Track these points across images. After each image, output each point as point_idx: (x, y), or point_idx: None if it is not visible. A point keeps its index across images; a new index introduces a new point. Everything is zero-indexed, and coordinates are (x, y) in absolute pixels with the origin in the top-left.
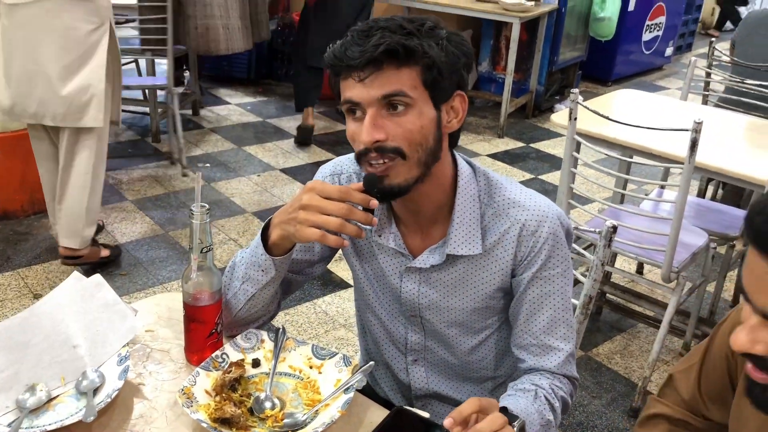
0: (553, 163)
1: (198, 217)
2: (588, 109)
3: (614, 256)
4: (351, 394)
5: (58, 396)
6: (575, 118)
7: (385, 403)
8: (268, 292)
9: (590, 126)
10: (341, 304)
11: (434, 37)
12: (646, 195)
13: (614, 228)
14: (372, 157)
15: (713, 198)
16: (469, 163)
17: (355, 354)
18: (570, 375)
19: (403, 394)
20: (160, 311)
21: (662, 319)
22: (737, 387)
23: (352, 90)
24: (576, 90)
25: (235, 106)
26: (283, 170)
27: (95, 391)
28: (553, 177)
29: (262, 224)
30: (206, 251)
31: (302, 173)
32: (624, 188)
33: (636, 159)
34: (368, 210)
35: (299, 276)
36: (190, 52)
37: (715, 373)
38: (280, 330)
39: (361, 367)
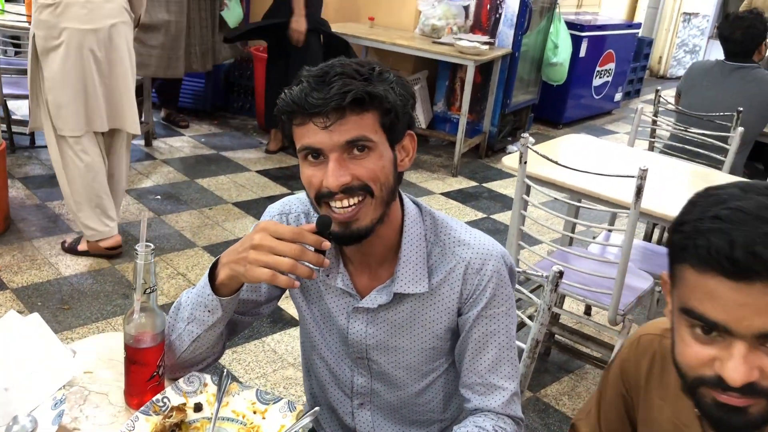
0: (505, 202)
1: (142, 257)
2: (538, 153)
3: (563, 297)
4: None
5: None
6: (525, 162)
7: None
8: (213, 333)
9: (540, 169)
10: (291, 343)
11: (386, 81)
12: (593, 238)
13: (560, 273)
14: (338, 198)
15: (659, 241)
16: (415, 203)
17: (302, 395)
18: (514, 415)
19: None
20: (101, 351)
21: (608, 359)
22: (637, 422)
23: (314, 136)
24: (527, 134)
25: (189, 138)
26: (236, 204)
27: None
28: (504, 217)
29: (213, 259)
30: (150, 292)
31: (255, 207)
32: (572, 231)
33: (584, 203)
34: (320, 251)
35: (245, 317)
36: (145, 80)
37: (612, 413)
38: (224, 373)
39: (305, 413)
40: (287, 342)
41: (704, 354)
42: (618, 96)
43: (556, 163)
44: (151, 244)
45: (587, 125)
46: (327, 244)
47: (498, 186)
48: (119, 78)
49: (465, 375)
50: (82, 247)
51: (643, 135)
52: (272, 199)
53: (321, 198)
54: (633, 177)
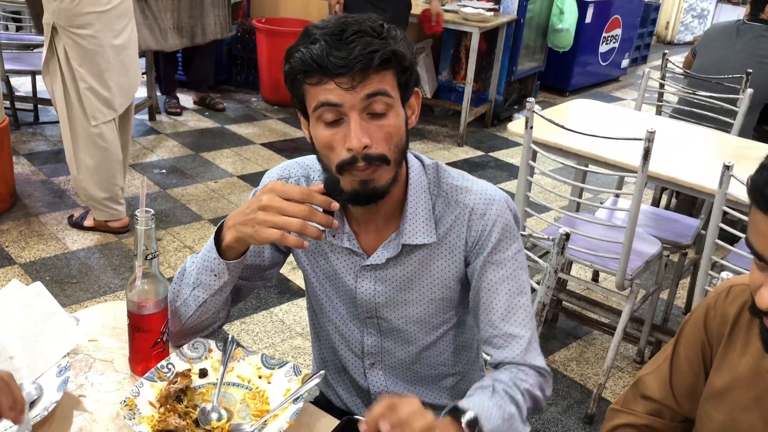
0: (512, 172)
1: (142, 223)
2: (544, 118)
3: (570, 264)
4: (300, 404)
5: None
6: (531, 127)
7: (342, 413)
8: (219, 298)
9: (546, 135)
10: (298, 313)
11: (396, 38)
12: (601, 204)
13: (567, 235)
14: (359, 167)
15: (667, 207)
16: (417, 157)
17: (311, 364)
18: (534, 365)
19: (362, 399)
20: (106, 320)
21: (616, 325)
22: (711, 370)
23: (332, 93)
24: (532, 99)
25: (192, 112)
26: (241, 177)
27: (32, 404)
28: (511, 185)
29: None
30: (151, 258)
31: (259, 180)
32: (579, 197)
33: (591, 168)
34: (328, 212)
35: (249, 282)
36: (147, 54)
37: (686, 364)
38: (229, 339)
39: (311, 377)
40: (295, 312)
41: (758, 280)
42: (625, 62)
43: (562, 127)
44: (150, 210)
45: (594, 92)
46: (336, 205)
47: (504, 155)
48: (131, 50)
49: (482, 329)
50: (89, 222)
51: (651, 100)
52: None
53: (344, 166)
54: (640, 140)
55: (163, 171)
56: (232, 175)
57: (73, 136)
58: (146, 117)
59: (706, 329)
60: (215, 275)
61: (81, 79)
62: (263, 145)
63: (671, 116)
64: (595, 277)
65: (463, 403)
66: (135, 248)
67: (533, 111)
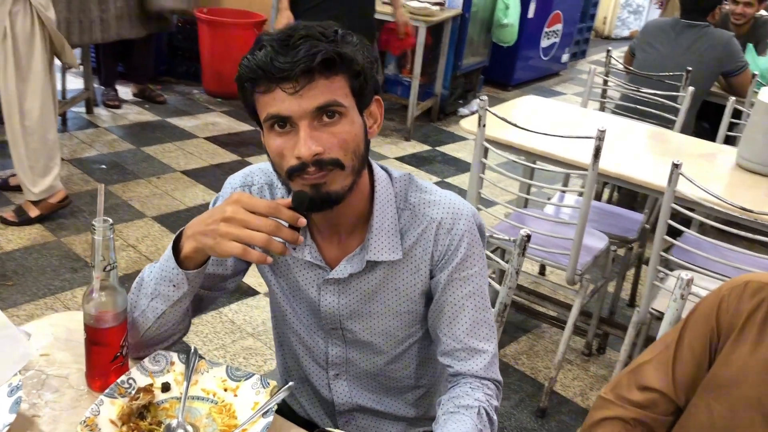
0: (459, 166)
1: (100, 233)
2: (497, 116)
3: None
4: (270, 418)
5: None
6: (484, 125)
7: (306, 423)
8: (179, 309)
9: (496, 132)
10: (249, 313)
11: (351, 44)
12: (548, 199)
13: (528, 237)
14: (309, 172)
15: (609, 200)
16: (384, 169)
17: (263, 365)
18: (495, 379)
19: (325, 410)
20: (57, 332)
21: (565, 319)
22: (715, 361)
23: (281, 104)
24: (485, 98)
25: (131, 105)
26: (185, 172)
27: None
28: (458, 180)
29: (163, 229)
30: (110, 269)
31: (205, 175)
32: (527, 193)
33: (542, 165)
34: (294, 228)
35: (211, 292)
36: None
37: (689, 354)
38: (192, 351)
39: (279, 389)
40: (245, 312)
41: None
42: (565, 57)
43: (515, 125)
44: (109, 219)
45: (536, 87)
46: (303, 221)
47: (451, 149)
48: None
49: (444, 342)
50: (35, 212)
51: (593, 95)
52: (222, 166)
53: (293, 172)
54: (592, 138)
55: (103, 166)
56: (176, 170)
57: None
58: (83, 110)
59: (717, 319)
60: (174, 286)
61: None
62: (207, 139)
63: (613, 112)
64: (542, 270)
65: None
66: (92, 259)
67: (486, 109)
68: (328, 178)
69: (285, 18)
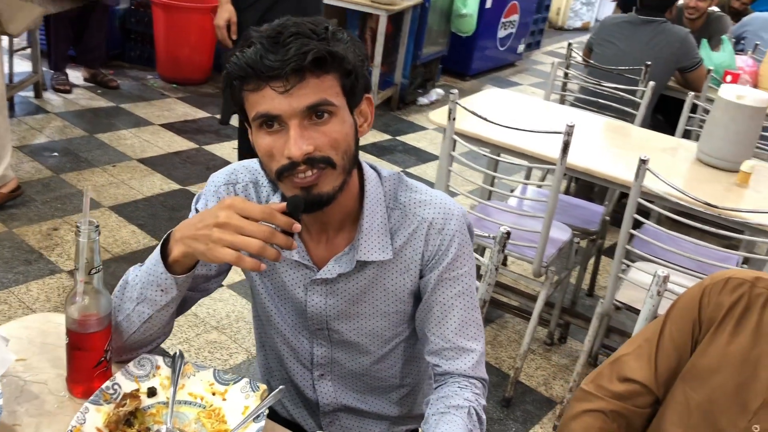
0: (419, 156)
1: (85, 235)
2: (467, 110)
3: (483, 249)
4: (262, 423)
5: None
6: (454, 118)
7: (288, 424)
8: (166, 314)
9: (462, 124)
10: (212, 306)
11: (342, 41)
12: (511, 191)
13: (508, 234)
14: (300, 170)
15: (566, 191)
16: (373, 167)
17: (229, 359)
18: (482, 377)
19: (309, 411)
20: (32, 335)
21: (528, 309)
22: (694, 351)
23: (271, 102)
24: (455, 91)
25: (83, 89)
26: (142, 160)
27: None
28: (419, 170)
29: (121, 220)
30: (95, 272)
31: (163, 163)
32: (491, 184)
33: (504, 156)
34: (288, 233)
35: (195, 293)
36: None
37: (671, 344)
38: (177, 354)
39: (270, 393)
40: (209, 305)
41: None
42: (521, 48)
43: (485, 119)
44: (95, 221)
45: (492, 77)
46: (298, 227)
47: (411, 139)
48: None
49: (432, 341)
50: None
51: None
52: (180, 154)
53: (283, 172)
54: (560, 133)
55: (55, 154)
56: (132, 158)
57: None
58: (31, 94)
59: (699, 311)
60: (162, 290)
61: None
62: (163, 126)
63: (572, 104)
64: (504, 261)
65: None
66: (76, 261)
67: (456, 102)
68: (319, 180)
69: (226, 12)
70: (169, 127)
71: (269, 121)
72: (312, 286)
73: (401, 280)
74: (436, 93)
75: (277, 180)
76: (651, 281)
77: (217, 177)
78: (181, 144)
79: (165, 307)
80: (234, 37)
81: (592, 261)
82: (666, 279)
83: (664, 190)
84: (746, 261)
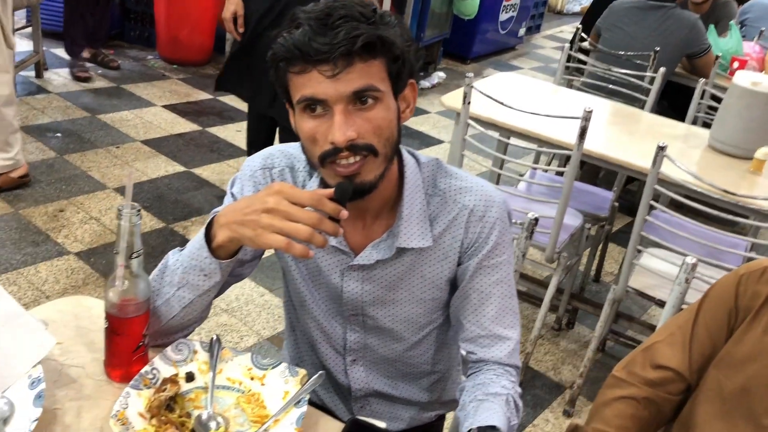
0: (422, 140)
1: (126, 218)
2: (483, 94)
3: None
4: (304, 408)
5: None
6: (469, 102)
7: (320, 408)
8: (207, 299)
9: (472, 108)
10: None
11: (389, 25)
12: (521, 176)
13: (536, 220)
14: (343, 156)
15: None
16: (411, 154)
17: (240, 341)
18: (517, 365)
19: (340, 396)
20: (65, 319)
21: (536, 294)
22: (729, 339)
23: (317, 86)
24: (471, 74)
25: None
26: (145, 142)
27: (5, 421)
28: (423, 154)
29: (125, 202)
30: (135, 257)
31: (166, 145)
32: (501, 168)
33: (518, 141)
34: (335, 220)
35: (230, 278)
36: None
37: (706, 332)
38: (214, 339)
39: (310, 378)
40: None
41: None
42: (522, 31)
43: (502, 104)
44: (137, 205)
45: (493, 60)
46: (345, 213)
47: (414, 123)
48: None
49: (467, 329)
50: None
51: (548, 71)
52: (183, 136)
53: (326, 158)
54: (578, 119)
55: (58, 135)
56: (135, 139)
57: None
58: (32, 74)
59: (736, 300)
60: (205, 275)
61: None
62: (165, 107)
63: (579, 89)
64: None
65: (496, 422)
66: (116, 245)
67: (471, 86)
68: (362, 168)
69: (232, 4)
70: (172, 108)
71: (313, 105)
72: (348, 272)
73: (439, 267)
74: (438, 76)
75: (319, 165)
76: (679, 269)
77: (253, 161)
78: (184, 126)
79: (206, 292)
80: (241, 30)
81: (600, 247)
82: (694, 266)
83: (680, 177)
84: (753, 247)
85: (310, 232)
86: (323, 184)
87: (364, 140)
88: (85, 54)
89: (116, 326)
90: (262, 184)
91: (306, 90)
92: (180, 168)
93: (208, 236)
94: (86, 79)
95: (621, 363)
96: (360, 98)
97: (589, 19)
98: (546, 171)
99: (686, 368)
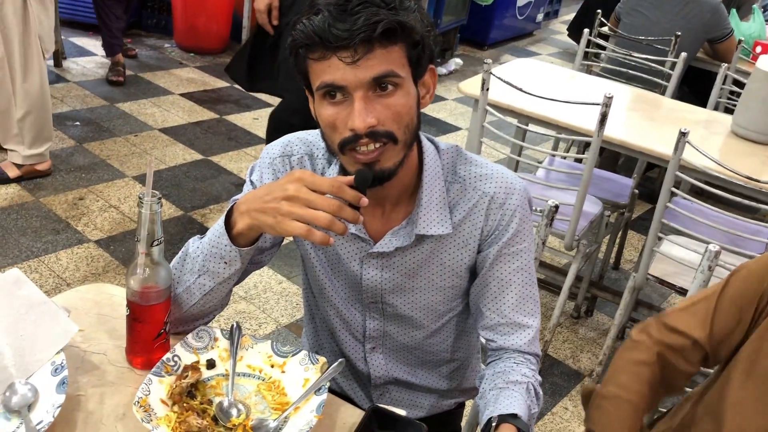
0: (439, 127)
1: (147, 206)
2: (502, 80)
3: None
4: (324, 396)
5: None
6: (487, 89)
7: (339, 396)
8: (227, 286)
9: (491, 94)
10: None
11: (409, 10)
12: (540, 162)
13: (556, 207)
14: (362, 143)
15: None
16: (431, 141)
17: (258, 329)
18: (537, 353)
19: (359, 383)
20: (87, 306)
21: (554, 282)
22: (757, 323)
23: (336, 72)
24: (489, 61)
25: (102, 58)
26: (163, 130)
27: (29, 407)
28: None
29: (145, 190)
30: (156, 245)
31: (184, 133)
32: (519, 155)
33: (536, 128)
34: (355, 207)
35: (250, 266)
36: None
37: (733, 309)
38: (234, 326)
39: (330, 366)
40: None
41: None
42: (540, 17)
43: (521, 90)
44: (157, 192)
45: (510, 47)
46: (365, 201)
47: (430, 109)
48: None
49: (487, 316)
50: (14, 173)
51: (566, 57)
52: (201, 124)
53: (345, 144)
54: (598, 105)
55: (77, 123)
56: (153, 128)
57: (34, 75)
58: (51, 63)
59: None
60: (225, 263)
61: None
62: (183, 95)
63: (598, 75)
64: None
65: (517, 410)
66: (138, 233)
67: (490, 73)
68: (381, 156)
69: None
70: (189, 96)
71: (333, 92)
72: (368, 260)
73: (459, 254)
74: (455, 63)
75: (339, 153)
76: (702, 257)
77: (272, 149)
78: (202, 114)
79: (227, 279)
80: (275, 22)
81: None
82: (718, 254)
83: (702, 164)
84: None
85: (331, 219)
86: (343, 171)
87: (384, 127)
88: (102, 42)
89: (138, 313)
90: (282, 171)
91: (326, 76)
92: (198, 156)
93: (228, 224)
94: (119, 84)
95: (638, 326)
96: (380, 84)
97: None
98: (564, 158)
99: (705, 338)
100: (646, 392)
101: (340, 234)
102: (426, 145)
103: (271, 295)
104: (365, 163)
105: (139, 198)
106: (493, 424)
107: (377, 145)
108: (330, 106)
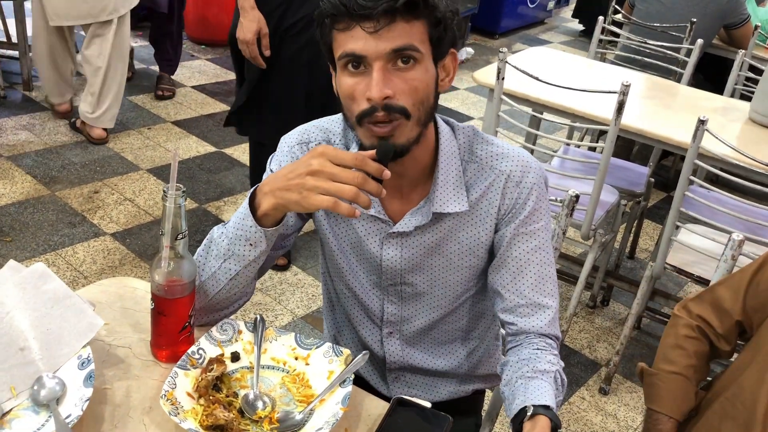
0: (451, 116)
1: (171, 200)
2: (518, 69)
3: None
4: (349, 388)
5: (11, 410)
6: (503, 78)
7: (356, 380)
8: (252, 270)
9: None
10: None
11: None
12: (555, 151)
13: (577, 197)
14: (379, 117)
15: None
16: (446, 122)
17: (275, 321)
18: (557, 335)
19: (375, 368)
20: (110, 300)
21: (571, 272)
22: None
23: (358, 42)
24: (505, 49)
25: None
26: (176, 123)
27: (57, 401)
28: None
29: (160, 182)
30: (180, 238)
31: (197, 126)
32: (534, 144)
33: (551, 117)
34: (377, 180)
35: (273, 252)
36: None
37: (766, 287)
38: (258, 319)
39: (354, 358)
40: None
41: None
42: (551, 4)
43: (537, 79)
44: (181, 186)
45: (522, 35)
46: (387, 173)
47: (442, 99)
48: None
49: (506, 298)
50: (98, 133)
51: (578, 45)
52: (213, 117)
53: (363, 117)
54: (615, 93)
55: None
56: (166, 120)
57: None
58: None
59: None
60: (251, 245)
61: None
62: (194, 88)
63: (613, 62)
64: None
65: (548, 401)
66: (162, 227)
67: (505, 62)
68: (395, 131)
69: (254, 22)
70: (201, 89)
71: (354, 62)
72: (388, 240)
73: (476, 233)
74: (466, 52)
75: (357, 125)
76: (725, 246)
77: (290, 138)
78: (214, 106)
79: (252, 262)
80: (267, 53)
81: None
82: (741, 243)
83: (720, 151)
84: None
85: (356, 192)
86: (362, 147)
87: (399, 102)
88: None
89: (162, 307)
90: (300, 157)
91: (347, 46)
92: (211, 148)
93: (252, 207)
94: (168, 97)
95: (681, 302)
96: (400, 57)
97: None
98: (579, 146)
99: (739, 309)
100: (694, 363)
101: (364, 207)
102: (441, 125)
103: (287, 286)
104: (381, 137)
105: (164, 191)
106: (529, 413)
107: (390, 122)
108: (350, 77)
